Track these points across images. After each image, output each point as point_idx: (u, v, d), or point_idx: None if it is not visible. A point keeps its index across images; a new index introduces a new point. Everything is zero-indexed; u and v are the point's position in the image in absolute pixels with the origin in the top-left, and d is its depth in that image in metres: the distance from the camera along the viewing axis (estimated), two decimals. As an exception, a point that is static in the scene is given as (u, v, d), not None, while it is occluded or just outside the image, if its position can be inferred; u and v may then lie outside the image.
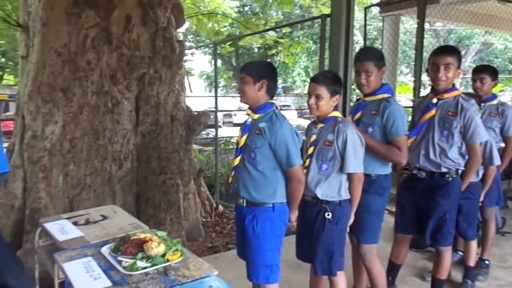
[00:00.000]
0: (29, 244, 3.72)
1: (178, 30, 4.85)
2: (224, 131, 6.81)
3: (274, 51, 12.11)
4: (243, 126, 2.27)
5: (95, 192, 4.10)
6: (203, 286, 1.48)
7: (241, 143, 2.22)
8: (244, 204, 2.20)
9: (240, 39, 8.32)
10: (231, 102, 13.00)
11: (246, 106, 2.30)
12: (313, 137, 2.37)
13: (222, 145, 8.40)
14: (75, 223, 2.16)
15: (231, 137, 8.84)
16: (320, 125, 2.37)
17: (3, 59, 18.24)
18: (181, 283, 1.50)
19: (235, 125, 21.38)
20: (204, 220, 5.25)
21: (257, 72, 2.17)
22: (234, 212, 2.38)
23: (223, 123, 18.37)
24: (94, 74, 4.04)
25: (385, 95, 2.49)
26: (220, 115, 10.29)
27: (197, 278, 1.54)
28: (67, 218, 2.23)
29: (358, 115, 2.60)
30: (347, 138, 2.25)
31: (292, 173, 2.16)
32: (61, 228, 2.08)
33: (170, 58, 4.37)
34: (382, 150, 2.45)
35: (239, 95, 2.21)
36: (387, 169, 2.58)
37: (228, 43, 9.33)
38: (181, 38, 4.85)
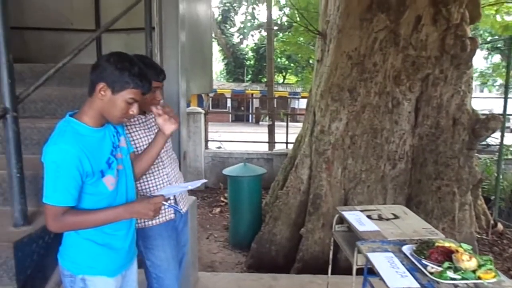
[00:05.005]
0: (310, 224, 4.28)
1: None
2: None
3: None
4: None
5: (368, 188, 4.29)
6: (530, 319, 1.31)
7: None
8: None
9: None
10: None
11: None
12: None
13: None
14: (369, 217, 2.32)
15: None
16: None
17: (286, 62, 21.62)
18: (500, 307, 1.38)
19: (513, 131, 17.99)
20: (478, 236, 4.69)
21: None
22: None
23: (499, 127, 15.63)
24: (379, 75, 4.21)
25: None
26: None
27: (519, 307, 1.38)
28: (361, 211, 2.42)
29: None
30: None
31: None
32: (358, 219, 2.27)
33: (460, 57, 4.06)
34: None
35: None
36: None
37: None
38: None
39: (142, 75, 1.50)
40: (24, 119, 1.76)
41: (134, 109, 1.53)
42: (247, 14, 19.18)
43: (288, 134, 7.92)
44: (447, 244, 1.73)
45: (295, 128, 8.48)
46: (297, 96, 21.77)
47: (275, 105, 11.86)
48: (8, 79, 1.61)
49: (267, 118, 14.82)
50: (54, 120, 1.54)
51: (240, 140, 9.96)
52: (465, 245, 1.74)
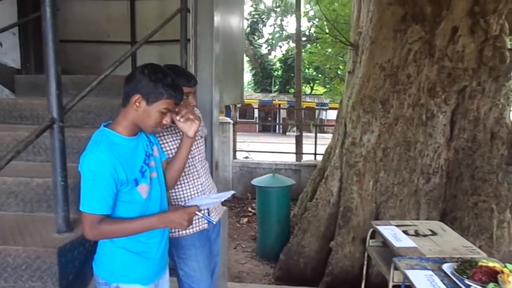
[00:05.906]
0: (340, 238, 4.21)
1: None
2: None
3: None
4: None
5: (401, 202, 4.19)
6: None
7: None
8: None
9: None
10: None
11: None
12: None
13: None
14: (405, 232, 2.26)
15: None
16: None
17: (314, 73, 21.61)
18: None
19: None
20: (518, 255, 4.47)
21: None
22: None
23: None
24: (413, 87, 4.13)
25: None
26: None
27: None
28: (396, 226, 2.36)
29: None
30: None
31: None
32: (394, 234, 2.22)
33: (498, 69, 3.94)
34: None
35: None
36: None
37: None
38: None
39: (175, 85, 1.53)
40: (66, 128, 1.82)
41: (167, 119, 1.56)
42: (275, 25, 19.37)
43: (316, 145, 7.87)
44: (491, 264, 1.66)
45: (323, 139, 8.42)
46: (324, 107, 21.67)
47: (303, 116, 11.84)
48: (56, 90, 1.68)
49: (294, 128, 14.79)
50: (93, 130, 1.59)
51: (268, 151, 9.96)
52: (510, 266, 1.66)
